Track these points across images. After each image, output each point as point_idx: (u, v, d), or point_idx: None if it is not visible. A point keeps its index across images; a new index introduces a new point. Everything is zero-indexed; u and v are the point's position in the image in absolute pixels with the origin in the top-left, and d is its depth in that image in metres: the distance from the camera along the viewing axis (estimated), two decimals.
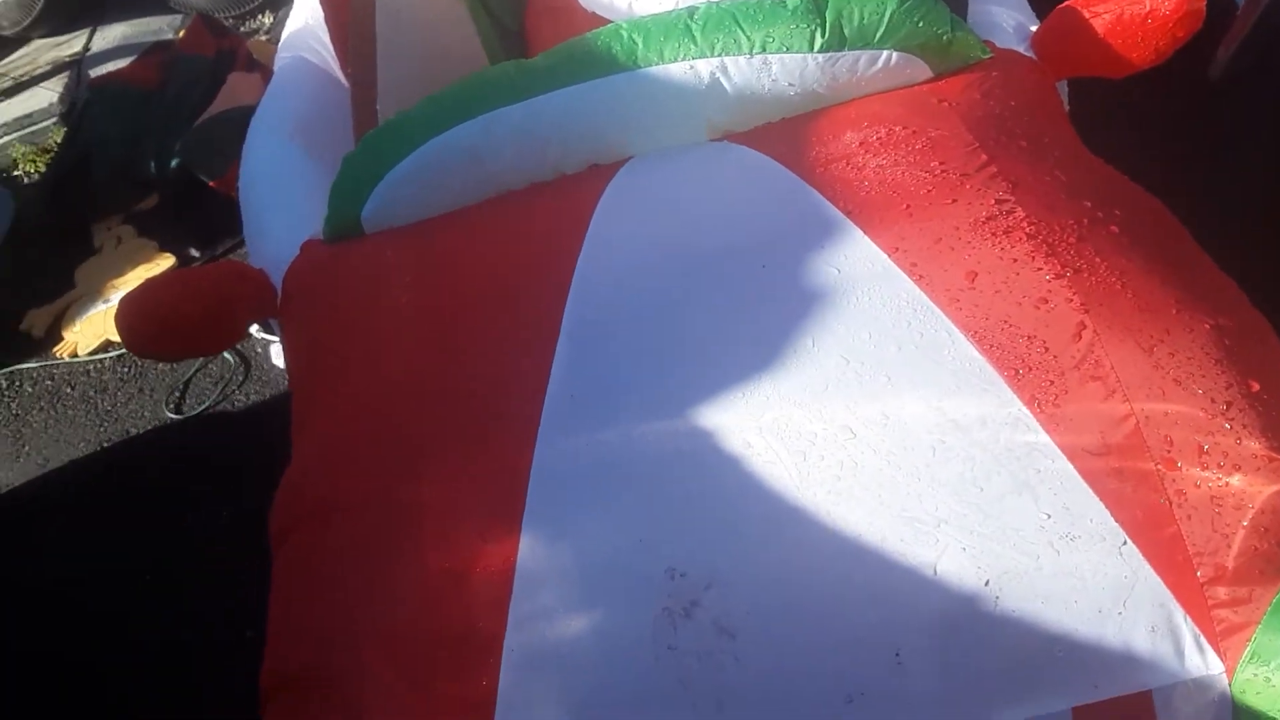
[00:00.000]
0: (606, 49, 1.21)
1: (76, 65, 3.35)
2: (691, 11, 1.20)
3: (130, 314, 1.26)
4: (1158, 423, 0.83)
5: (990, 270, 0.95)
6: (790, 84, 1.20)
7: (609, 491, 0.89)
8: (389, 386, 1.07)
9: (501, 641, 0.82)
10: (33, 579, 1.97)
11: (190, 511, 1.93)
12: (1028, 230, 0.98)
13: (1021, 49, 1.33)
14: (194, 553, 1.84)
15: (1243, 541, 0.78)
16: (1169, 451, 0.82)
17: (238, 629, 1.60)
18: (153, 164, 2.68)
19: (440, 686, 0.83)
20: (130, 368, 2.38)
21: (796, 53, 1.17)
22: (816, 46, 1.17)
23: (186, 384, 2.25)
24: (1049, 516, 0.80)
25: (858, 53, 1.18)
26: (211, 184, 2.47)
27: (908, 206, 1.03)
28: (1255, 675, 0.76)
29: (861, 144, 1.13)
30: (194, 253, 2.56)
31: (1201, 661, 0.77)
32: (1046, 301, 0.92)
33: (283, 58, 1.73)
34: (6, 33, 3.52)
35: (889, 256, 0.99)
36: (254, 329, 2.17)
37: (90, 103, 2.90)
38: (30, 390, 2.43)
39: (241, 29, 3.33)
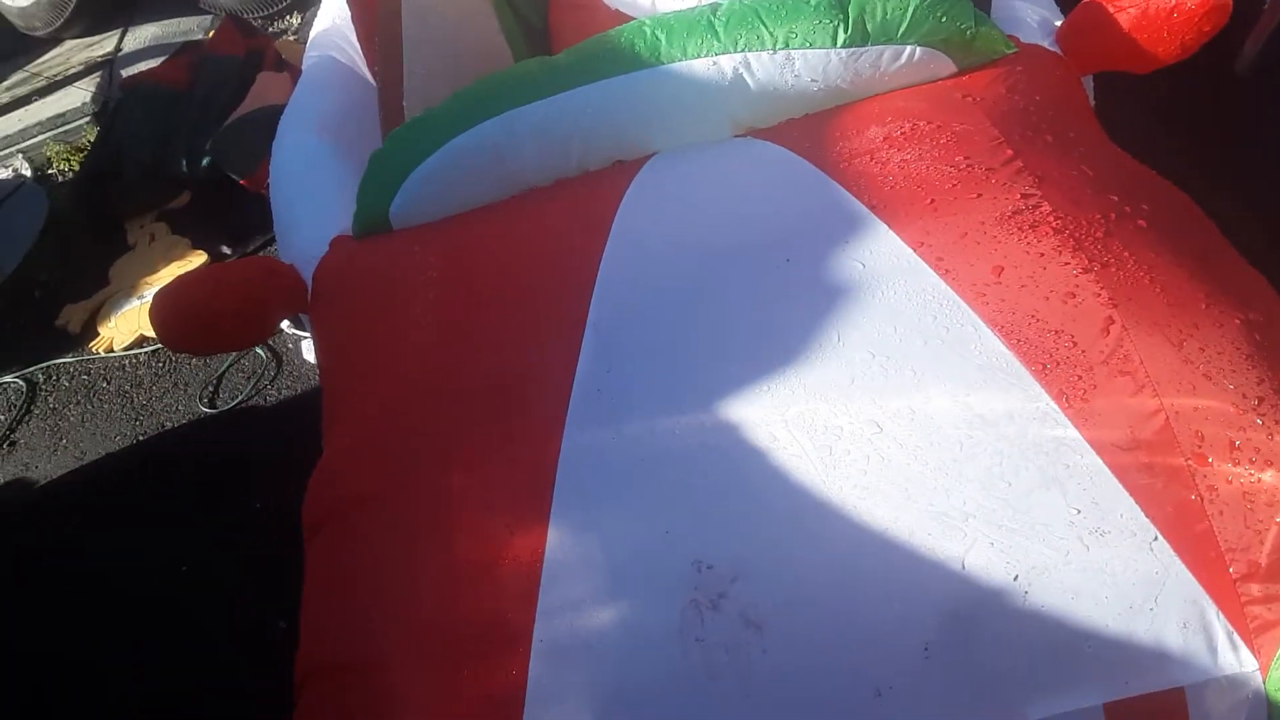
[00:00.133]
0: (630, 45, 1.21)
1: (109, 65, 3.39)
2: (715, 7, 1.21)
3: (164, 309, 1.29)
4: (1188, 418, 0.83)
5: (1017, 264, 0.95)
6: (813, 79, 1.20)
7: (636, 484, 0.89)
8: (417, 381, 1.09)
9: (530, 632, 0.83)
10: (52, 574, 2.00)
11: (224, 504, 1.96)
12: (1054, 224, 0.97)
13: (1046, 44, 1.31)
14: (228, 545, 1.87)
15: (1276, 538, 0.78)
16: (1200, 447, 0.82)
17: (271, 619, 1.63)
18: (184, 162, 2.72)
19: (470, 675, 0.84)
20: (165, 363, 2.41)
21: (820, 48, 1.18)
22: (840, 42, 1.17)
23: (220, 379, 2.29)
24: (1078, 511, 0.80)
25: (881, 48, 1.18)
26: (242, 182, 2.51)
27: (932, 201, 1.03)
28: None
29: (885, 139, 1.12)
30: (225, 249, 2.60)
31: (1234, 658, 0.76)
32: (1074, 296, 0.91)
33: (311, 57, 1.75)
34: (39, 33, 3.57)
35: (914, 251, 0.98)
36: (285, 325, 2.19)
37: (122, 102, 2.95)
38: (67, 385, 2.47)
39: (270, 29, 3.37)
